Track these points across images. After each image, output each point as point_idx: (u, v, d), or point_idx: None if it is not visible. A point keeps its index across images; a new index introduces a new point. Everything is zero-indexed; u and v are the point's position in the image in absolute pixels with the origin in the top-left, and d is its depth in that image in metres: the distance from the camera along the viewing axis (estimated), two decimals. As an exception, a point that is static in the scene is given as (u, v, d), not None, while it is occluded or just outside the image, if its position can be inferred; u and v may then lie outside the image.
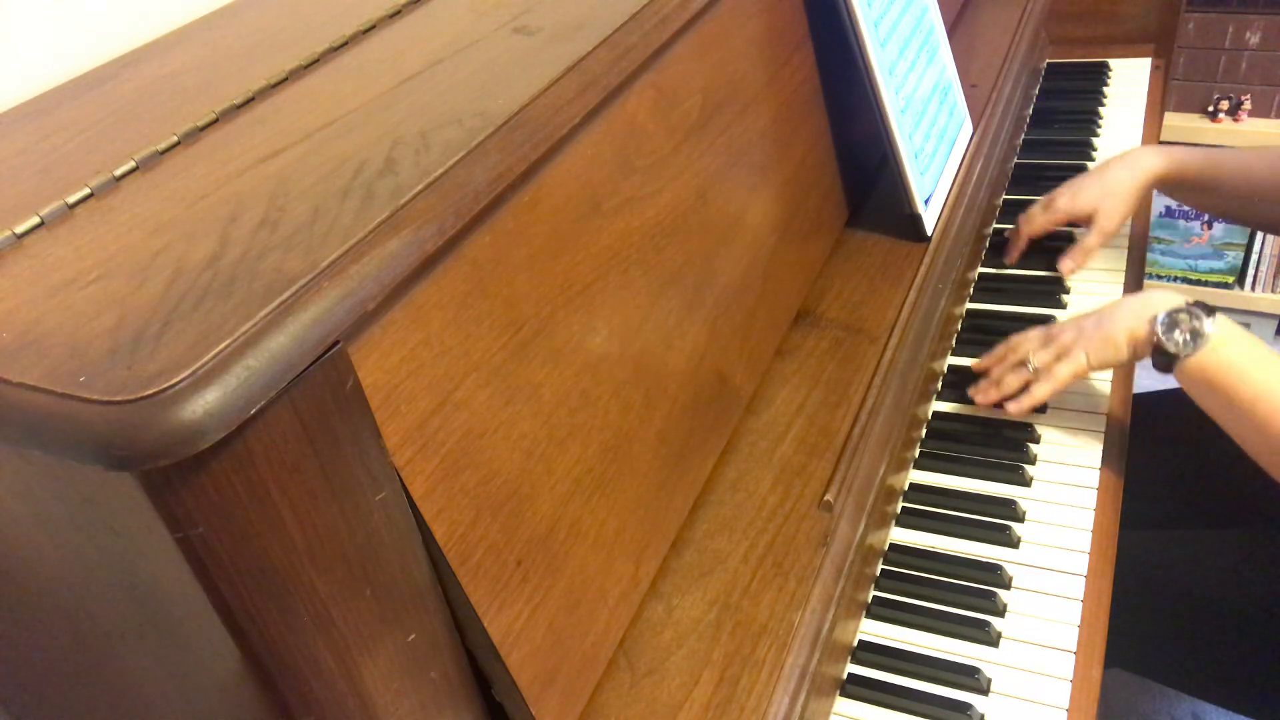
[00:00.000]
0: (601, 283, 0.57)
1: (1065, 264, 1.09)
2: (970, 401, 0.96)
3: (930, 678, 0.75)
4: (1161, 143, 1.17)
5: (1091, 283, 1.10)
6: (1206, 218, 2.03)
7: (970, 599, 0.79)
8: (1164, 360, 0.81)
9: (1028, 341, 0.92)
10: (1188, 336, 0.79)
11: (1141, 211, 1.20)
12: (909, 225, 0.93)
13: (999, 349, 0.95)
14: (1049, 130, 1.38)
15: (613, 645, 0.59)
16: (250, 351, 0.35)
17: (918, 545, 0.85)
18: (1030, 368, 0.90)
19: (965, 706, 0.72)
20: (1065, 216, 1.08)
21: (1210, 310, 0.80)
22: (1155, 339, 0.81)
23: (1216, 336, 0.78)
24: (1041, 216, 1.10)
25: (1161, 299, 0.83)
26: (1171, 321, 0.81)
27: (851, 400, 0.77)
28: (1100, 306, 0.89)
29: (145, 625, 0.45)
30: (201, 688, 0.46)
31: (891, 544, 0.85)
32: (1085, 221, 1.08)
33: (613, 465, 0.58)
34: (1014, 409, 0.91)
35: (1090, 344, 0.86)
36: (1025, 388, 0.91)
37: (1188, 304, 0.81)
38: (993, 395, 0.93)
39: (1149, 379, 0.97)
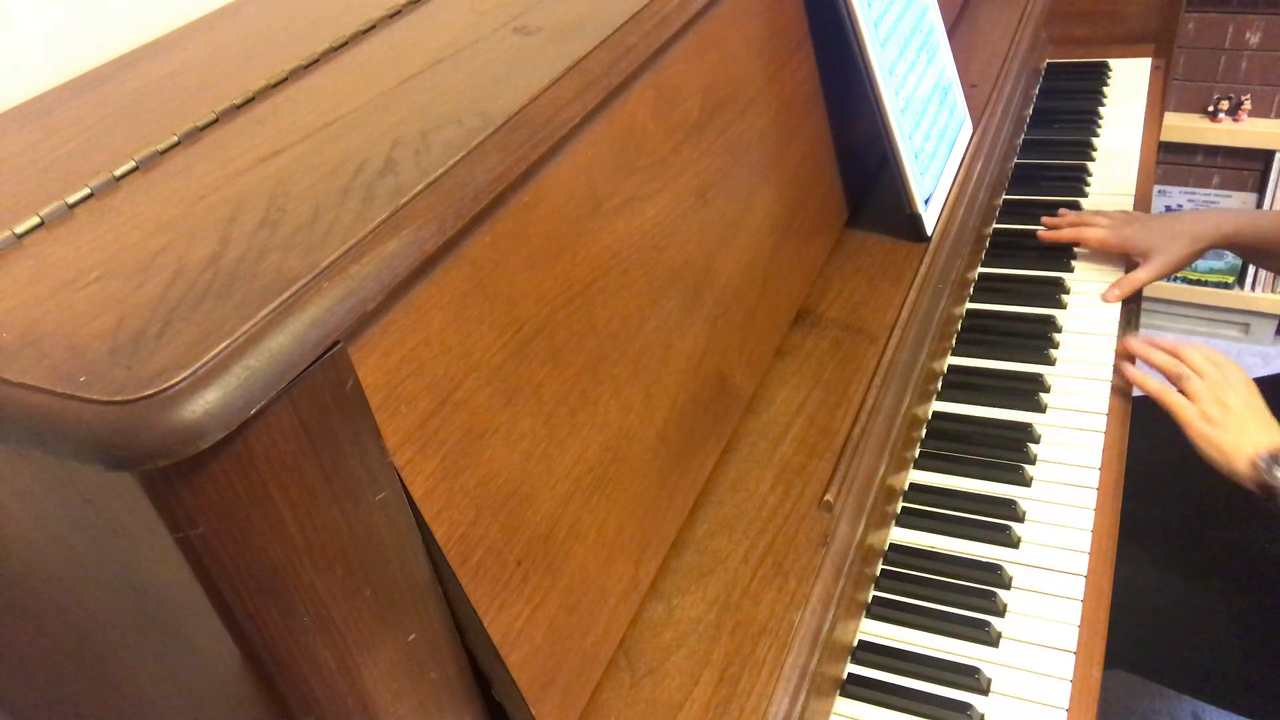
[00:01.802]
0: (601, 283, 0.57)
1: (1112, 293, 1.08)
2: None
3: (930, 678, 0.75)
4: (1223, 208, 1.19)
5: (1092, 282, 1.10)
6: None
7: (970, 599, 0.79)
8: (1268, 493, 0.83)
9: (1199, 355, 0.93)
10: None
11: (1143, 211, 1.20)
12: (909, 225, 0.93)
13: (1174, 341, 0.97)
14: (1049, 130, 1.38)
15: (613, 645, 0.59)
16: (250, 351, 0.35)
17: (918, 545, 0.85)
18: (1182, 379, 0.91)
19: (965, 706, 0.72)
20: (1123, 246, 1.09)
21: None
22: (1260, 479, 0.84)
23: None
24: (1104, 233, 1.10)
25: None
26: (1274, 460, 0.83)
27: (851, 400, 0.77)
28: (1256, 409, 0.89)
29: (145, 625, 0.45)
30: (201, 687, 0.46)
31: (891, 544, 0.85)
32: (1140, 257, 1.08)
33: (613, 465, 0.58)
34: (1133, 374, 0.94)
35: (1202, 432, 0.88)
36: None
37: None
38: (1136, 376, 0.96)
39: (1149, 379, 0.97)
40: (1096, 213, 1.15)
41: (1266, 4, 1.82)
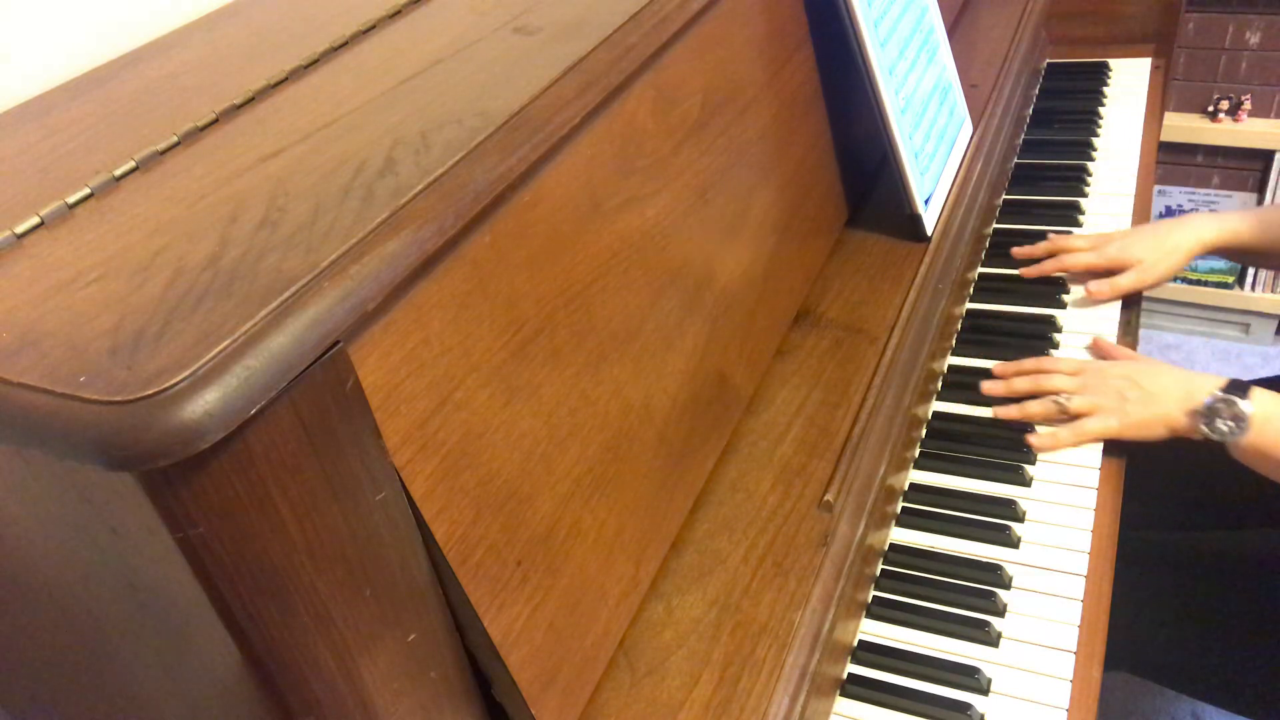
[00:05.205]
0: (601, 283, 0.57)
1: (1096, 287, 1.06)
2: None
3: (930, 678, 0.75)
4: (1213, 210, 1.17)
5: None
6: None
7: (970, 599, 0.79)
8: (1216, 444, 0.84)
9: (1060, 374, 0.92)
10: (1231, 424, 0.82)
11: (1143, 214, 1.20)
12: (909, 225, 0.93)
13: (1028, 363, 0.96)
14: (1049, 130, 1.38)
15: (613, 645, 0.59)
16: (250, 351, 0.35)
17: (918, 545, 0.85)
18: (1059, 404, 0.91)
19: (965, 706, 0.72)
20: (1110, 264, 1.07)
21: (1244, 389, 0.83)
22: (1202, 433, 0.84)
23: (1259, 415, 0.81)
24: (1087, 256, 1.08)
25: (1199, 386, 0.85)
26: (1212, 412, 0.83)
27: (851, 400, 0.77)
28: (1138, 369, 0.90)
29: (145, 625, 0.45)
30: (201, 687, 0.46)
31: (891, 544, 0.85)
32: (1125, 270, 1.06)
33: (613, 465, 0.58)
34: (1035, 442, 0.91)
35: (1128, 419, 0.88)
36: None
37: (1222, 390, 0.84)
38: (1013, 415, 0.93)
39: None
40: (1069, 237, 1.11)
41: (1266, 4, 1.82)
